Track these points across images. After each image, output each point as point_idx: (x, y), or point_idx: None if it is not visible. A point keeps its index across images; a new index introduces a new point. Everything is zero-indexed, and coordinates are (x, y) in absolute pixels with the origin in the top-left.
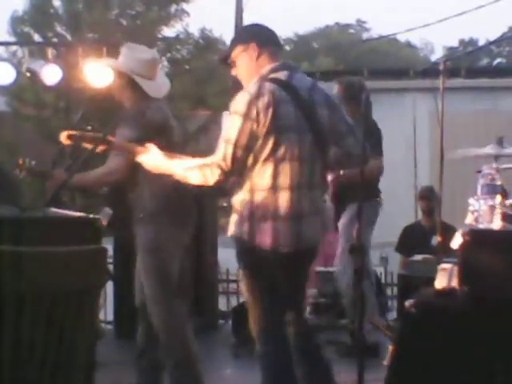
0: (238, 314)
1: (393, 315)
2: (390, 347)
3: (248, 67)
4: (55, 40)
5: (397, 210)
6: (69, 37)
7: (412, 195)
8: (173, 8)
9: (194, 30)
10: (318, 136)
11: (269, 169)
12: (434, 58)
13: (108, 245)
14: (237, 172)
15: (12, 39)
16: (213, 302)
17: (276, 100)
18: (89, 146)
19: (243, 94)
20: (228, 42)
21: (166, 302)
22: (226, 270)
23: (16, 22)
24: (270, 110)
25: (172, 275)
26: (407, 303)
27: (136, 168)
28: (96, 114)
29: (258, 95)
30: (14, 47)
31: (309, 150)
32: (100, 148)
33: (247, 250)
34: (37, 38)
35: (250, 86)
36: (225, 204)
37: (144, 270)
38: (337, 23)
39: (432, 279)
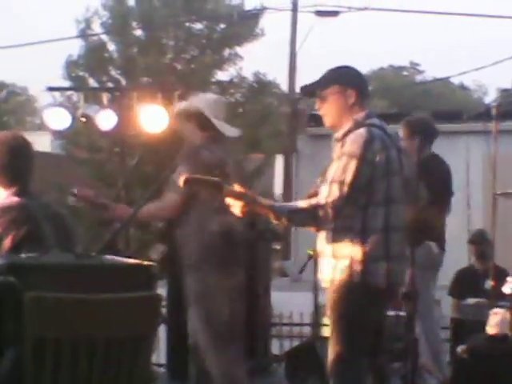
0: (291, 357)
1: (445, 359)
2: None
3: (340, 108)
4: (110, 84)
5: (450, 253)
6: (123, 81)
7: (465, 238)
8: (226, 52)
9: (248, 74)
10: (403, 181)
11: (381, 210)
12: (487, 99)
13: (161, 288)
14: (344, 214)
15: (67, 83)
16: (266, 346)
17: (386, 145)
18: (204, 190)
19: (357, 137)
20: (281, 85)
21: (218, 349)
22: (279, 313)
23: (71, 66)
24: (384, 154)
25: (222, 322)
26: (459, 349)
27: (189, 207)
28: (152, 158)
29: (371, 139)
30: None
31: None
32: (214, 193)
33: (357, 293)
34: (91, 81)
35: (360, 131)
36: (278, 247)
37: (194, 318)
38: (390, 66)
39: (484, 323)
